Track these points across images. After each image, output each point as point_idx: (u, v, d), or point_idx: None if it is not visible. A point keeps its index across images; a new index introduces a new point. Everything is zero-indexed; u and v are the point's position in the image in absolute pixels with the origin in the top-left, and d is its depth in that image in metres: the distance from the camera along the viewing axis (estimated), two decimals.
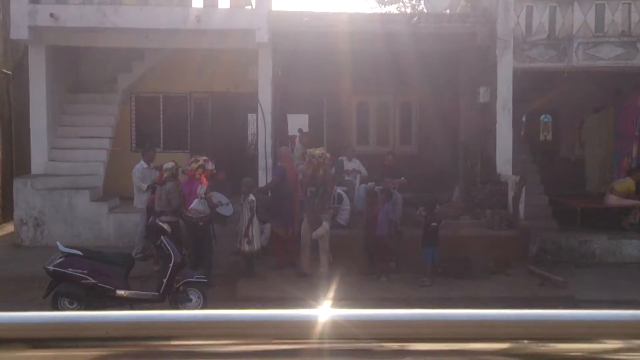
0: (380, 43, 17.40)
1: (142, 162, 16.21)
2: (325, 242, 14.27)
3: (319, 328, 1.20)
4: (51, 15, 16.95)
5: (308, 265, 14.31)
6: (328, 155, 14.70)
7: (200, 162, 14.01)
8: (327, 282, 13.40)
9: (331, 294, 12.42)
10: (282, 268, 14.64)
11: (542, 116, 21.64)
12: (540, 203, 17.87)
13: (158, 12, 17.25)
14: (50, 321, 1.23)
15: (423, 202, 15.39)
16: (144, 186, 15.72)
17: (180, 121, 20.59)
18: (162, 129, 20.60)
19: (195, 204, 13.70)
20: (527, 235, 15.90)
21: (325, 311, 1.24)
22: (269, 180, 16.20)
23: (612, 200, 17.47)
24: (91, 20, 17.17)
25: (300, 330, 1.22)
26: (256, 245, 14.32)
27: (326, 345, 1.21)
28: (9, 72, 20.79)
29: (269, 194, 15.39)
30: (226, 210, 15.08)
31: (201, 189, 13.73)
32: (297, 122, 21.41)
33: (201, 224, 13.74)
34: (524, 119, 20.73)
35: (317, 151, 14.72)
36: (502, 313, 1.23)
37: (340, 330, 1.20)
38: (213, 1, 17.46)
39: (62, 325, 1.22)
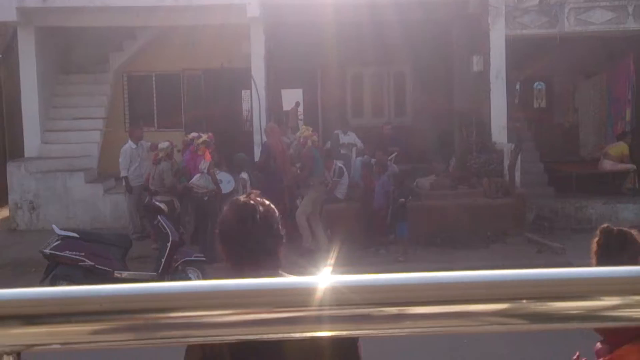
0: (371, 12, 17.30)
1: (129, 142, 16.13)
2: (302, 218, 14.30)
3: (317, 295, 1.19)
4: None
5: (308, 240, 14.32)
6: (315, 137, 15.15)
7: (204, 138, 14.13)
8: (325, 255, 13.38)
9: (329, 264, 12.41)
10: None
11: (536, 83, 21.58)
12: (536, 170, 17.89)
13: None
14: (43, 297, 1.22)
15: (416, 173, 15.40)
16: (124, 172, 15.74)
17: (174, 99, 20.46)
18: (155, 108, 20.49)
19: (195, 179, 13.85)
20: (524, 202, 15.91)
21: (323, 278, 1.23)
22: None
23: (607, 165, 17.48)
24: None
25: (298, 297, 1.22)
26: None
27: (325, 312, 1.20)
28: None
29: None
30: (225, 187, 15.10)
31: (204, 164, 13.87)
32: (292, 97, 21.33)
33: (206, 198, 13.76)
34: (517, 86, 20.68)
35: (306, 132, 15.09)
36: (500, 273, 1.23)
37: (338, 296, 1.19)
38: None
39: (56, 300, 1.21)
